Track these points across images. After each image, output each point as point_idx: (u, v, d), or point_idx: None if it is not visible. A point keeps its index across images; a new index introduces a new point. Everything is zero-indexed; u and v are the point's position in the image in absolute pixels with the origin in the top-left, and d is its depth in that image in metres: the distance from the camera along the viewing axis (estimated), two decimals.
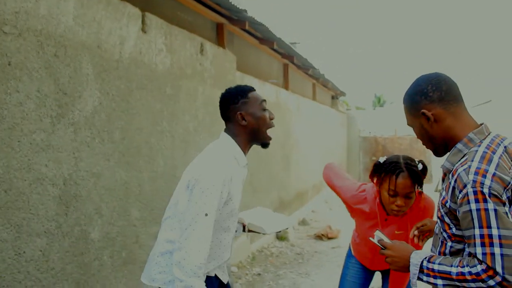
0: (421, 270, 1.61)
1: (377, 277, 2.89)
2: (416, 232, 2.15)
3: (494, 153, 1.55)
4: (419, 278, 1.62)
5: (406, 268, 1.67)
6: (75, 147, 2.93)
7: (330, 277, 5.11)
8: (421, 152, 17.59)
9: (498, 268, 1.43)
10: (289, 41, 8.10)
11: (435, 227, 1.78)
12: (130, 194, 3.55)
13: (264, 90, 6.88)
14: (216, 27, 5.69)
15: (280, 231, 2.51)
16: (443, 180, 1.74)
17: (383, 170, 2.38)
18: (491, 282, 1.44)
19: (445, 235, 1.67)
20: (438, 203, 1.71)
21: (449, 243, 1.65)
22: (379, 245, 1.81)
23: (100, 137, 3.18)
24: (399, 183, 2.29)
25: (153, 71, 3.85)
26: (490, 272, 1.44)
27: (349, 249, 2.87)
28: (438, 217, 1.70)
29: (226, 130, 2.22)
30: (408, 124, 1.80)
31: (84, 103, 3.01)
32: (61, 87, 2.80)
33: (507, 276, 1.42)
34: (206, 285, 1.98)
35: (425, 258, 1.62)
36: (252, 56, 7.18)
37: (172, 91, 4.15)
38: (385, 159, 2.43)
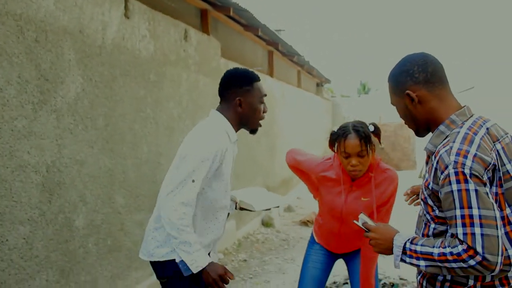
0: (404, 252, 1.61)
1: (343, 268, 2.92)
2: (409, 191, 2.23)
3: (475, 134, 1.56)
4: (402, 260, 1.63)
5: (389, 250, 1.68)
6: (58, 134, 2.90)
7: None
8: (405, 139, 17.74)
9: (479, 248, 1.43)
10: (274, 28, 8.09)
11: (419, 210, 1.78)
12: (114, 181, 3.53)
13: None
14: (200, 13, 5.64)
15: (269, 209, 2.55)
16: (426, 163, 1.75)
17: (336, 136, 2.55)
18: (472, 262, 1.45)
19: (428, 217, 1.67)
20: (422, 186, 1.71)
21: (432, 225, 1.66)
22: (363, 227, 1.82)
23: (84, 123, 3.15)
24: (348, 144, 2.45)
25: (137, 57, 3.81)
26: (471, 252, 1.45)
27: (311, 237, 2.87)
28: (422, 199, 1.70)
29: (218, 108, 2.27)
30: (391, 103, 1.79)
31: (66, 89, 2.97)
32: (43, 73, 2.76)
33: (487, 256, 1.43)
34: (197, 278, 2.10)
35: (408, 239, 1.62)
36: (236, 43, 7.14)
37: (156, 78, 4.12)
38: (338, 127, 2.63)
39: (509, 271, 1.56)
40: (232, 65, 6.10)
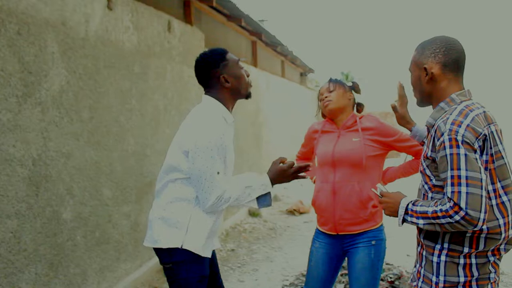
0: (406, 212, 1.82)
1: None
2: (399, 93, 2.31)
3: (471, 111, 1.74)
4: (404, 220, 1.83)
5: (396, 213, 1.87)
6: (43, 127, 2.89)
7: (302, 250, 5.21)
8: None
9: (462, 204, 1.62)
10: (257, 18, 8.07)
11: (419, 183, 1.94)
12: (101, 174, 3.53)
13: None
14: (183, 4, 5.61)
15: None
16: (426, 138, 1.96)
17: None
18: (457, 217, 1.63)
19: (426, 187, 1.86)
20: (421, 159, 1.90)
21: (430, 194, 1.84)
22: (379, 194, 2.00)
23: (69, 116, 3.14)
24: (322, 87, 2.72)
25: (121, 49, 3.80)
26: (456, 208, 1.63)
27: (315, 232, 2.75)
28: (420, 171, 1.89)
29: (207, 93, 2.30)
30: (408, 69, 1.96)
31: (50, 82, 2.96)
32: (26, 66, 2.74)
33: (469, 211, 1.61)
34: (202, 264, 2.20)
35: (411, 201, 1.82)
36: (220, 34, 7.12)
37: (140, 69, 4.11)
38: None
39: (499, 239, 1.73)
40: None
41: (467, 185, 1.63)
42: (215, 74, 2.24)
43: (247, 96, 2.37)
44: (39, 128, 2.86)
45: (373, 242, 2.54)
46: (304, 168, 2.30)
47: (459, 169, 1.64)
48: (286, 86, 11.30)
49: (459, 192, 1.63)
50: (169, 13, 4.81)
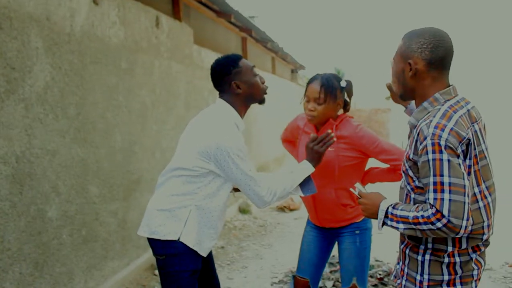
0: (386, 216, 1.77)
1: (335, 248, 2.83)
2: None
3: (455, 112, 1.68)
4: (384, 223, 1.78)
5: (375, 215, 1.83)
6: (27, 124, 2.83)
7: (292, 247, 5.19)
8: (380, 123, 17.94)
9: (445, 212, 1.58)
10: (248, 14, 8.02)
11: (401, 182, 1.91)
12: (88, 171, 3.48)
13: None
14: None
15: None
16: (408, 137, 1.88)
17: (308, 81, 2.60)
18: (439, 224, 1.59)
19: (409, 188, 1.81)
20: (404, 159, 1.84)
21: (413, 195, 1.79)
22: (357, 195, 1.96)
23: (54, 113, 3.08)
24: (310, 87, 2.51)
25: (107, 44, 3.74)
26: (438, 215, 1.59)
27: (308, 218, 2.86)
28: (403, 171, 1.84)
29: (221, 97, 2.33)
30: (392, 59, 1.89)
31: (34, 78, 2.90)
32: (9, 62, 2.69)
33: (451, 219, 1.58)
34: (195, 259, 2.22)
35: (391, 205, 1.78)
36: (209, 30, 7.07)
37: (127, 65, 4.05)
38: None
39: (482, 239, 1.73)
40: (205, 52, 6.05)
41: (450, 192, 1.58)
42: (227, 80, 2.27)
43: (261, 101, 2.41)
44: (23, 125, 2.80)
45: (357, 232, 2.61)
46: (327, 136, 2.37)
47: (442, 175, 1.60)
48: (276, 83, 11.27)
49: (442, 199, 1.59)
50: (157, 9, 4.75)
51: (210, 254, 2.46)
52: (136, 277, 4.15)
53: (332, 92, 2.47)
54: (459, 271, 1.74)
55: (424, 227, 1.63)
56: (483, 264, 1.80)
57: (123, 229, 4.00)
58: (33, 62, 2.89)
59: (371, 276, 4.15)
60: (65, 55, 3.20)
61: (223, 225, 2.36)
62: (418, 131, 1.70)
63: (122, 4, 3.96)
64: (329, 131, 2.36)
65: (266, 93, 2.40)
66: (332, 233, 2.70)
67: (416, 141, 1.70)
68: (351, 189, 2.02)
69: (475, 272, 1.76)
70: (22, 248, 2.80)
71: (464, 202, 1.58)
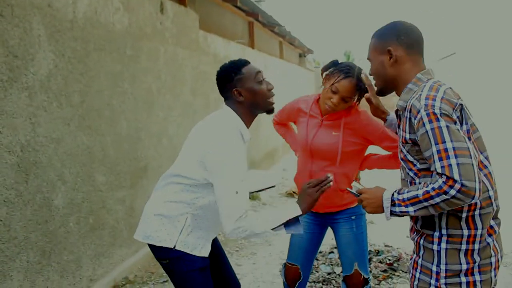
0: (393, 203, 1.72)
1: (329, 237, 2.77)
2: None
3: (440, 86, 1.72)
4: (392, 213, 1.73)
5: (380, 208, 1.77)
6: (31, 112, 2.82)
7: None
8: (388, 107, 17.82)
9: (456, 176, 1.53)
10: None
11: (400, 174, 1.86)
12: (94, 159, 3.46)
13: (229, 49, 6.75)
14: None
15: (264, 189, 2.46)
16: (398, 126, 1.87)
17: (337, 68, 2.47)
18: (452, 192, 1.54)
19: (412, 174, 1.77)
20: (399, 147, 1.82)
21: (417, 180, 1.75)
22: (356, 194, 1.90)
23: (58, 101, 3.06)
24: (344, 83, 2.40)
25: (111, 31, 3.70)
26: (450, 182, 1.54)
27: None
28: (402, 159, 1.82)
29: (227, 104, 2.19)
30: (368, 58, 1.92)
31: (38, 66, 2.87)
32: (11, 50, 2.66)
33: (464, 182, 1.53)
34: (200, 266, 2.11)
35: (395, 191, 1.73)
36: (215, 15, 7.00)
37: (132, 52, 4.01)
38: (343, 62, 2.53)
39: (491, 212, 1.70)
40: (211, 37, 5.99)
41: (455, 156, 1.55)
42: (229, 87, 2.15)
43: (268, 111, 2.25)
44: (27, 114, 2.78)
45: (353, 217, 2.60)
46: (325, 181, 2.09)
47: (444, 142, 1.57)
48: (284, 68, 11.18)
49: (450, 165, 1.55)
50: None
51: (216, 241, 2.39)
52: (145, 265, 4.16)
53: (361, 96, 2.45)
54: (477, 259, 1.69)
55: (437, 199, 1.58)
56: (499, 250, 1.76)
57: (131, 217, 4.00)
58: (36, 49, 2.86)
59: (380, 262, 4.12)
60: (68, 42, 3.16)
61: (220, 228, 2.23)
62: (410, 108, 1.70)
63: None
64: (329, 175, 2.15)
65: (272, 102, 2.23)
66: (326, 219, 2.68)
67: (409, 118, 1.70)
68: (348, 189, 1.95)
69: (493, 260, 1.71)
70: (29, 237, 2.80)
71: (473, 164, 1.54)
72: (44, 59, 2.93)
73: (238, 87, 2.13)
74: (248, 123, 2.21)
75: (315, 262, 4.21)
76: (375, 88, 2.13)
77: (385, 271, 3.97)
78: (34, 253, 2.84)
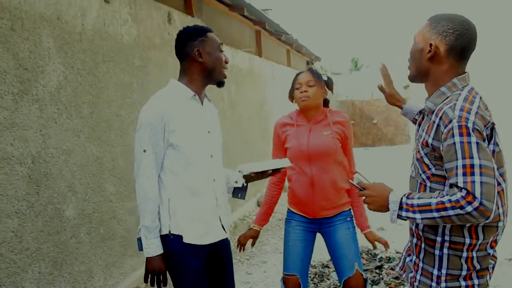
0: (400, 207, 1.68)
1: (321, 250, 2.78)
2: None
3: (474, 97, 1.66)
4: (398, 216, 1.69)
5: (384, 208, 1.73)
6: (41, 124, 2.84)
7: None
8: (399, 113, 17.70)
9: (477, 194, 1.51)
10: (261, 7, 7.97)
11: (411, 172, 1.84)
12: (103, 170, 3.48)
13: (237, 58, 6.78)
14: None
15: (280, 169, 2.41)
16: (419, 124, 1.83)
17: (292, 83, 2.78)
18: (469, 208, 1.51)
19: (424, 177, 1.74)
20: (417, 146, 1.77)
21: (428, 184, 1.73)
22: (358, 186, 1.84)
23: (68, 112, 3.09)
24: (300, 76, 2.72)
25: (119, 42, 3.74)
26: (469, 198, 1.51)
27: (287, 213, 2.81)
28: (417, 159, 1.77)
29: (180, 72, 2.23)
30: (414, 36, 1.82)
31: (47, 78, 2.91)
32: (21, 62, 2.69)
33: (484, 201, 1.50)
34: (194, 256, 2.09)
35: (404, 195, 1.69)
36: (222, 24, 7.04)
37: (140, 62, 4.05)
38: None
39: (497, 228, 1.68)
40: None
41: (481, 174, 1.52)
42: (191, 46, 2.14)
43: (219, 83, 2.24)
44: (37, 126, 2.81)
45: (348, 219, 2.72)
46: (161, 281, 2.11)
47: (471, 157, 1.53)
48: (292, 75, 11.19)
49: (473, 181, 1.51)
50: (169, 5, 4.74)
51: (225, 247, 2.29)
52: None
53: (319, 77, 2.71)
54: (477, 266, 1.69)
55: (451, 212, 1.54)
56: (497, 257, 1.77)
57: None
58: (45, 62, 2.89)
59: (392, 269, 4.09)
60: (77, 54, 3.20)
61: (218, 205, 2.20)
62: (441, 115, 1.64)
63: (134, 1, 3.95)
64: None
65: (226, 75, 2.23)
66: (322, 224, 2.72)
67: (439, 125, 1.64)
68: (350, 180, 1.95)
69: (490, 266, 1.73)
70: (41, 248, 2.82)
71: (495, 186, 1.53)
72: (53, 71, 2.96)
73: (200, 48, 2.14)
74: (197, 86, 2.18)
75: (326, 270, 4.19)
76: (388, 78, 2.18)
77: (396, 278, 3.94)
78: (46, 264, 2.86)
